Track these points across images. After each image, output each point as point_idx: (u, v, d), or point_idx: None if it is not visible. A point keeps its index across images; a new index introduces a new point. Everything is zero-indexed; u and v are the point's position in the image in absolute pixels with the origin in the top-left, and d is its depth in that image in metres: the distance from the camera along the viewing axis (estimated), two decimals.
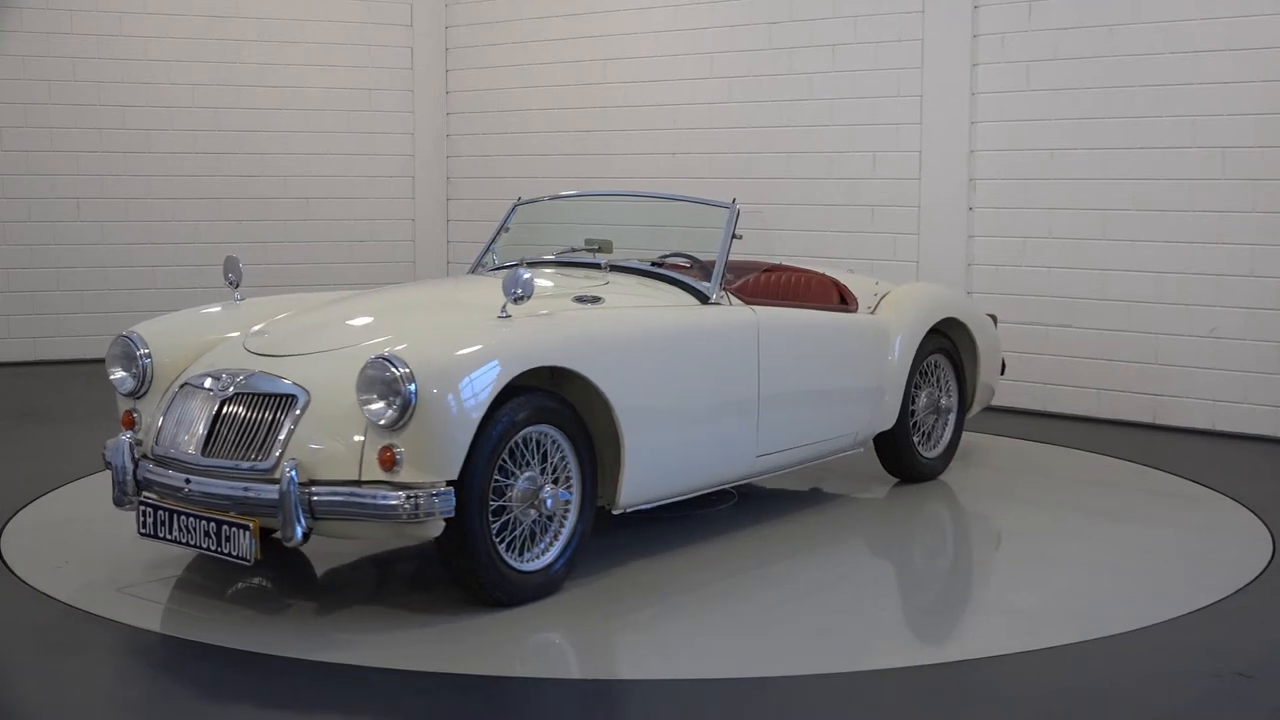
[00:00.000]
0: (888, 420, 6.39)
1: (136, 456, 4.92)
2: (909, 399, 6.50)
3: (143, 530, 4.84)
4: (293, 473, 4.43)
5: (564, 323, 5.04)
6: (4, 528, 5.74)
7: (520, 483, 4.72)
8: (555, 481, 4.87)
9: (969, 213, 8.85)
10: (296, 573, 5.32)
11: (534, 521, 4.81)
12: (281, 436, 4.57)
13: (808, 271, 6.63)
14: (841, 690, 4.19)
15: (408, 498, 4.37)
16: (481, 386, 4.50)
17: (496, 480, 4.64)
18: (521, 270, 4.81)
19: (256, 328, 5.26)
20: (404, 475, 4.41)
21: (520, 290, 4.77)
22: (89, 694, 4.19)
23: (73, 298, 10.45)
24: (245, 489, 4.56)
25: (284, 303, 5.70)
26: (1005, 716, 4.03)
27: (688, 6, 10.09)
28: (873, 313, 6.50)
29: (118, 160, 10.61)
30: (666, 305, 5.61)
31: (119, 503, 4.95)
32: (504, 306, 4.82)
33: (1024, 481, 6.85)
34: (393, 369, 4.41)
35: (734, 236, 5.82)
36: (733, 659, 4.46)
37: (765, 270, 6.65)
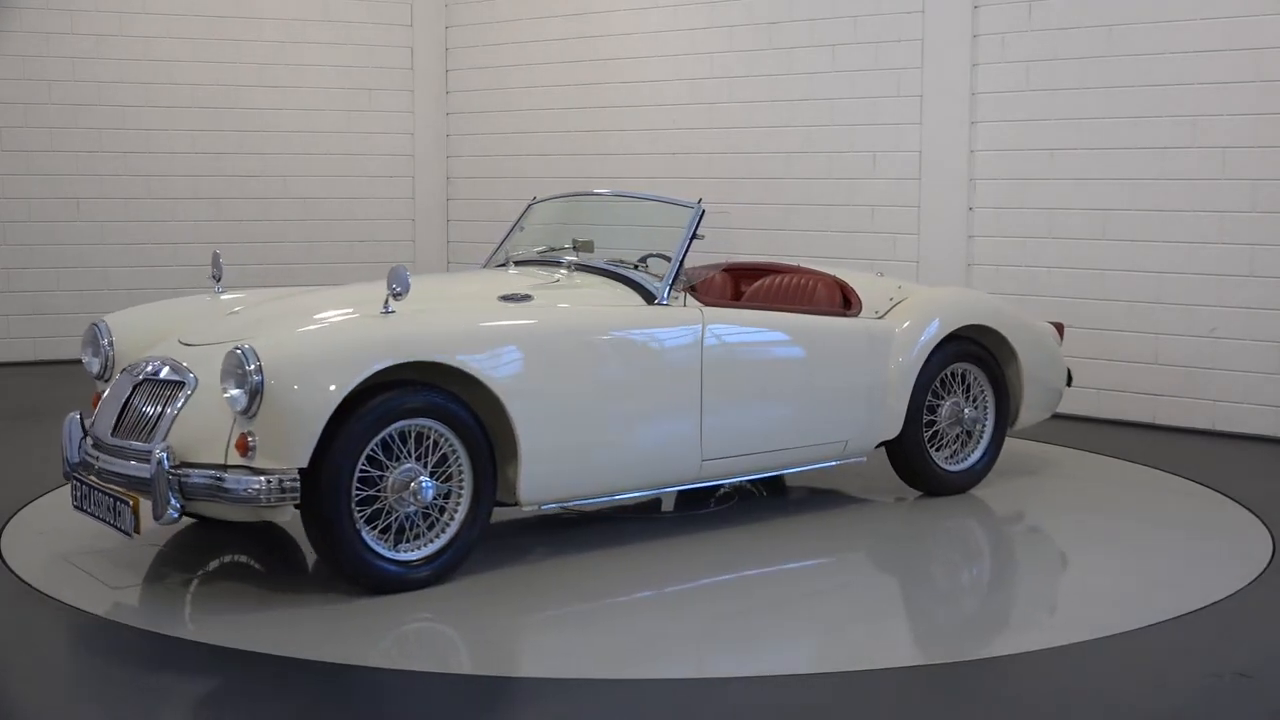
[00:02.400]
0: (890, 429, 6.18)
1: (81, 435, 5.24)
2: (919, 408, 6.25)
3: (74, 504, 5.16)
4: (163, 454, 4.67)
5: (442, 319, 5.11)
6: (4, 528, 5.74)
7: (395, 475, 4.81)
8: (448, 477, 4.94)
9: (969, 213, 8.85)
10: (289, 558, 5.44)
11: (415, 513, 4.89)
12: (166, 421, 4.86)
13: (814, 273, 6.50)
14: (841, 690, 4.18)
15: (264, 483, 4.57)
16: (335, 379, 4.64)
17: (365, 470, 4.75)
18: (402, 268, 4.95)
19: (196, 324, 5.49)
20: (258, 461, 4.62)
21: (398, 287, 4.91)
22: (88, 695, 4.22)
23: (73, 298, 10.44)
24: (131, 468, 4.86)
25: (255, 296, 5.86)
26: (1005, 716, 4.03)
27: (688, 6, 10.09)
28: (880, 317, 6.28)
29: (118, 160, 10.61)
30: (600, 305, 5.56)
31: (66, 476, 5.27)
32: (386, 302, 4.95)
33: (1023, 482, 6.83)
34: (245, 360, 4.62)
35: (696, 236, 5.74)
36: (650, 660, 4.47)
37: (771, 272, 6.61)
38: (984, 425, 6.56)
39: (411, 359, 4.82)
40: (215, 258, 5.95)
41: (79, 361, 5.69)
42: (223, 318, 5.46)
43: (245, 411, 4.63)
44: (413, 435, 4.86)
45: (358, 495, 4.74)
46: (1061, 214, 8.47)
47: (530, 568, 5.34)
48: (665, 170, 10.13)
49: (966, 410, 6.47)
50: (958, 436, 6.50)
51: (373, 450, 4.76)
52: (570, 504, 5.49)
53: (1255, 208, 7.78)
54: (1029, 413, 6.74)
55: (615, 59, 10.53)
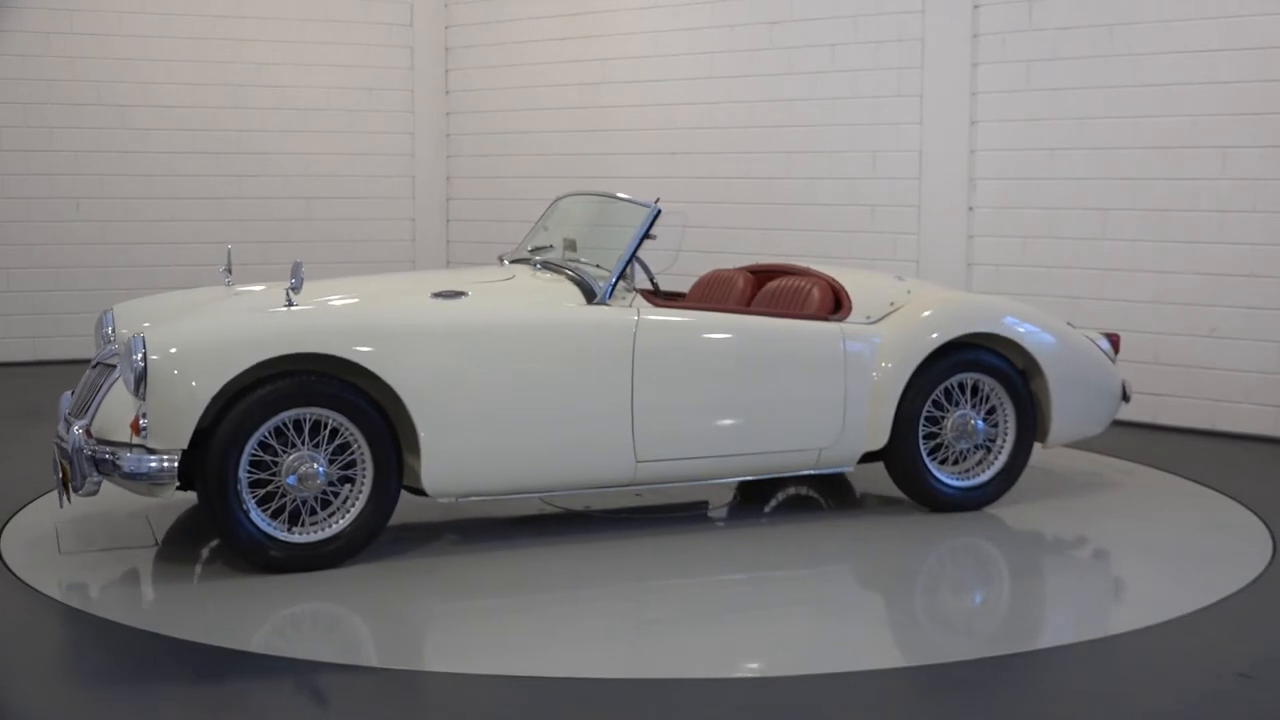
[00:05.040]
0: (874, 440, 5.95)
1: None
2: (911, 419, 5.98)
3: (55, 473, 5.51)
4: (78, 432, 5.08)
5: (336, 314, 5.36)
6: (4, 528, 5.76)
7: (288, 460, 5.06)
8: (352, 464, 5.16)
9: (969, 213, 8.85)
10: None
11: (313, 498, 5.13)
12: (97, 400, 5.25)
13: (815, 275, 6.31)
14: (842, 690, 4.18)
15: (149, 462, 4.90)
16: (215, 368, 4.91)
17: (258, 455, 5.03)
18: (298, 264, 5.27)
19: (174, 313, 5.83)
20: (150, 441, 4.92)
21: (293, 282, 5.25)
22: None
23: (73, 298, 10.44)
24: (66, 443, 5.20)
25: (260, 289, 6.06)
26: (1006, 716, 4.03)
27: (688, 6, 10.09)
28: (872, 322, 6.05)
29: (117, 160, 10.61)
30: (533, 303, 5.60)
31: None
32: (287, 295, 5.26)
33: (1022, 481, 6.81)
34: (134, 347, 4.95)
35: (648, 237, 5.71)
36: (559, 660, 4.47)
37: (786, 274, 6.49)
38: (1004, 440, 6.22)
39: (295, 351, 5.00)
40: (228, 253, 6.20)
41: (79, 361, 5.79)
42: (202, 308, 5.71)
43: (135, 394, 4.94)
44: (308, 423, 5.08)
45: (252, 477, 5.02)
46: (1061, 214, 8.47)
47: (500, 558, 5.38)
48: (666, 170, 10.13)
49: (974, 423, 6.13)
50: (965, 452, 6.17)
51: (266, 436, 5.02)
52: (546, 497, 5.57)
53: (1255, 208, 7.78)
54: (1064, 428, 6.33)
55: (615, 59, 10.53)
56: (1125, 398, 6.60)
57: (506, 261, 6.26)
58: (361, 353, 5.08)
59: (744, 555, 5.57)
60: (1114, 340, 6.69)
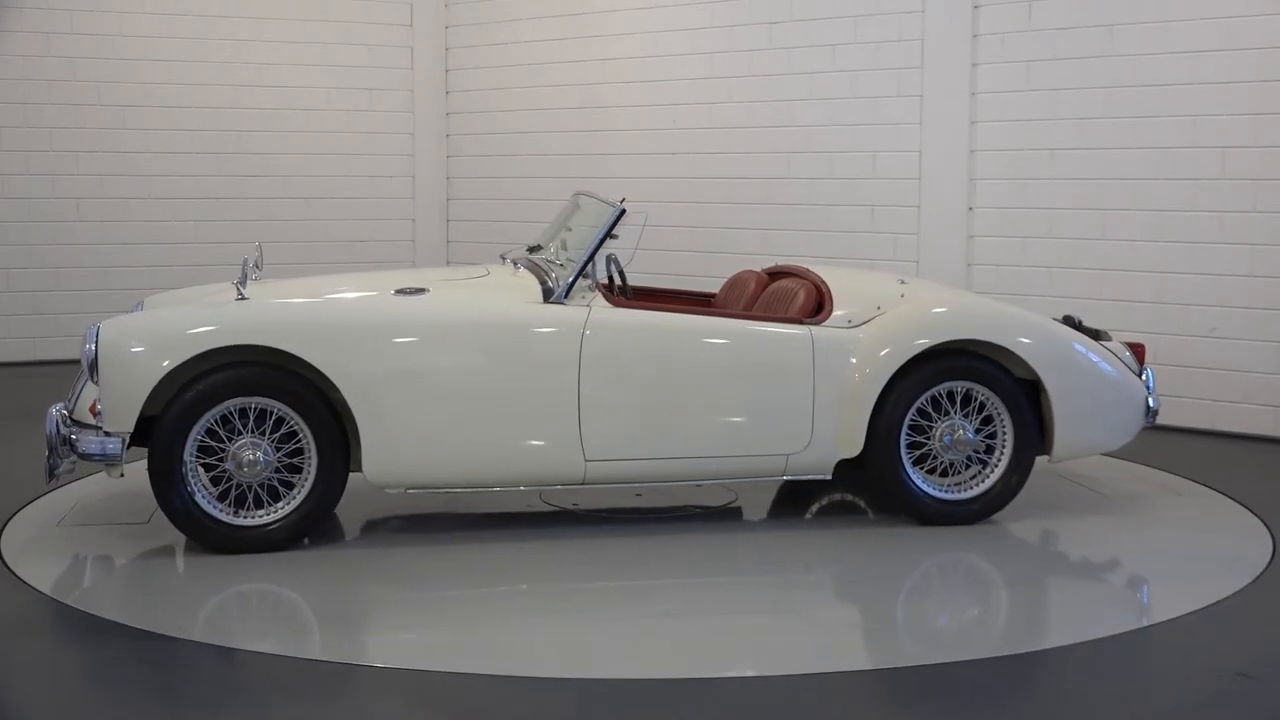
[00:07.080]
0: (847, 448, 5.75)
1: None
2: (891, 427, 5.76)
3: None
4: (55, 414, 5.37)
5: (278, 308, 5.50)
6: (4, 527, 5.76)
7: (233, 447, 5.31)
8: (299, 452, 5.35)
9: (969, 213, 8.85)
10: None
11: (259, 484, 5.35)
12: (80, 386, 5.53)
13: (806, 277, 6.19)
14: (844, 690, 4.18)
15: (100, 444, 5.19)
16: (156, 357, 5.19)
17: (205, 441, 5.30)
18: (249, 259, 5.65)
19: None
20: (104, 424, 5.22)
21: (241, 277, 5.62)
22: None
23: (73, 298, 10.44)
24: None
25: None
26: (1005, 716, 4.03)
27: (688, 6, 10.08)
28: (853, 326, 5.82)
29: (117, 160, 10.60)
30: (488, 300, 5.68)
31: None
32: (237, 290, 5.54)
33: None
34: (89, 336, 5.25)
35: (610, 236, 5.70)
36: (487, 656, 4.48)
37: (789, 275, 6.43)
38: (1001, 453, 5.96)
39: (231, 343, 5.23)
40: (258, 248, 6.36)
41: (78, 361, 5.79)
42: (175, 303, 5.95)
43: (91, 379, 5.26)
44: (254, 412, 5.30)
45: (201, 460, 5.31)
46: (1061, 214, 8.47)
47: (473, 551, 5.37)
48: (665, 170, 10.13)
49: (961, 433, 5.87)
50: (957, 463, 5.94)
51: (214, 424, 5.28)
52: (544, 494, 5.67)
53: (1255, 208, 7.78)
54: (1071, 442, 6.00)
55: (615, 59, 10.52)
56: (1148, 413, 6.21)
57: (508, 260, 6.29)
58: (299, 346, 5.26)
59: (738, 557, 5.56)
60: (1138, 350, 6.31)
